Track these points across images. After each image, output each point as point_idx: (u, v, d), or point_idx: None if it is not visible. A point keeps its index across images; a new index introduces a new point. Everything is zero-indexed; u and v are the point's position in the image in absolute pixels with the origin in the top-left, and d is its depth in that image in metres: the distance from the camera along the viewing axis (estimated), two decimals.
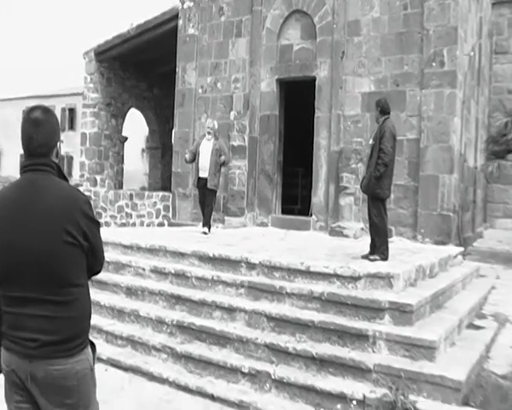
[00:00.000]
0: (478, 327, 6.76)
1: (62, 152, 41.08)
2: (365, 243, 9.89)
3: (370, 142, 7.54)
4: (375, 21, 12.10)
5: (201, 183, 10.49)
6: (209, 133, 10.64)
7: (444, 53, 11.26)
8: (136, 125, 24.89)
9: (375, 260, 7.03)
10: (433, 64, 11.33)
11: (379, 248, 7.20)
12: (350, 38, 12.37)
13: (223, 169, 11.12)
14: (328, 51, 12.56)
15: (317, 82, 12.71)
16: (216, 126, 10.96)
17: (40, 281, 2.42)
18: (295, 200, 16.21)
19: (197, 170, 10.58)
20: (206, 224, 10.62)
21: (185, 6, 15.10)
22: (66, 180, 2.65)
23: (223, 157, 10.44)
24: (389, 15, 11.94)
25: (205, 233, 10.35)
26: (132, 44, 17.97)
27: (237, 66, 14.04)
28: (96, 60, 18.50)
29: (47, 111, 2.62)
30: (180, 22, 15.19)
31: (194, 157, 10.63)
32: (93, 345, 2.70)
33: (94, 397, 2.65)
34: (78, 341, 2.50)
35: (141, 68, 20.25)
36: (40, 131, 2.54)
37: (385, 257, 7.13)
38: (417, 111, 11.48)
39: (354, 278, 6.14)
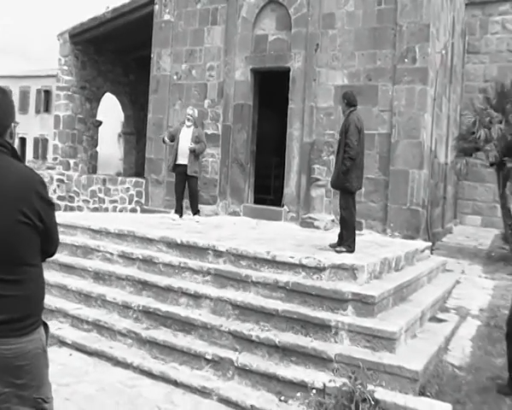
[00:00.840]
0: (440, 320, 6.90)
1: (37, 135, 40.61)
2: (335, 234, 10.00)
3: (338, 138, 7.61)
4: (350, 15, 12.18)
5: (180, 169, 10.51)
6: (188, 120, 10.67)
7: (416, 49, 11.40)
8: (113, 109, 24.66)
9: (341, 251, 7.12)
10: (406, 60, 11.46)
11: (346, 241, 7.30)
12: (324, 31, 12.44)
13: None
14: (303, 43, 12.61)
15: (291, 73, 12.77)
16: (196, 114, 11.01)
17: None
18: (268, 190, 16.28)
19: (175, 156, 10.59)
20: (194, 210, 10.73)
21: None
22: (21, 161, 2.63)
23: (193, 145, 10.43)
24: (363, 10, 12.03)
25: (174, 220, 10.40)
26: (108, 28, 17.80)
27: (212, 54, 14.02)
28: (71, 42, 18.30)
29: (1, 92, 2.59)
30: (156, 8, 15.10)
31: (173, 139, 10.65)
32: (46, 326, 2.70)
33: (46, 378, 2.65)
34: (30, 320, 2.50)
35: (116, 53, 20.08)
36: None
37: (351, 250, 7.22)
38: (389, 106, 11.61)
39: (319, 269, 6.21)
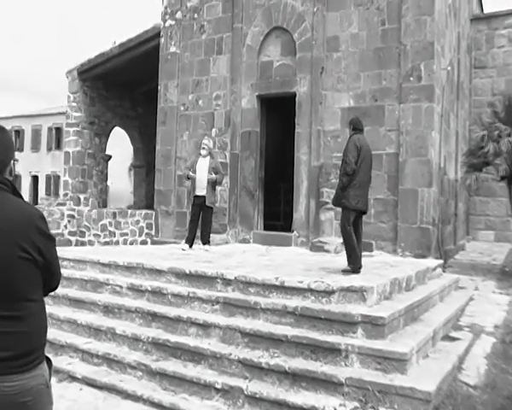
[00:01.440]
0: (453, 339, 6.79)
1: (49, 172, 41.04)
2: (345, 258, 9.97)
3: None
4: (354, 37, 12.25)
5: (198, 200, 10.56)
6: (204, 149, 10.73)
7: (421, 68, 11.40)
8: (123, 143, 24.95)
9: (347, 272, 7.10)
10: (411, 79, 11.46)
11: (348, 260, 7.31)
12: (329, 54, 12.51)
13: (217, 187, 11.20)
14: (308, 67, 12.69)
15: (297, 98, 12.83)
16: (211, 144, 11.05)
17: None
18: (278, 216, 16.24)
19: (194, 188, 10.63)
20: (205, 240, 10.73)
21: (167, 24, 15.22)
22: (21, 198, 2.66)
23: (214, 175, 10.51)
24: (367, 31, 12.08)
25: (183, 250, 10.43)
26: (115, 63, 18.10)
27: (218, 83, 14.14)
28: (79, 79, 18.61)
29: (0, 129, 2.63)
30: (162, 40, 15.31)
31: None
32: (49, 361, 2.68)
33: None
34: (32, 356, 2.48)
35: (124, 87, 20.35)
36: None
37: (355, 267, 7.20)
38: (396, 125, 11.59)
39: (328, 293, 6.16)
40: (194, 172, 10.57)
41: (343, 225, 7.41)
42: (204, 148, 10.74)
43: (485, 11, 21.33)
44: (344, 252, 10.70)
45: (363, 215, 7.77)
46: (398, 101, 11.61)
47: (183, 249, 10.45)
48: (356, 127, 7.61)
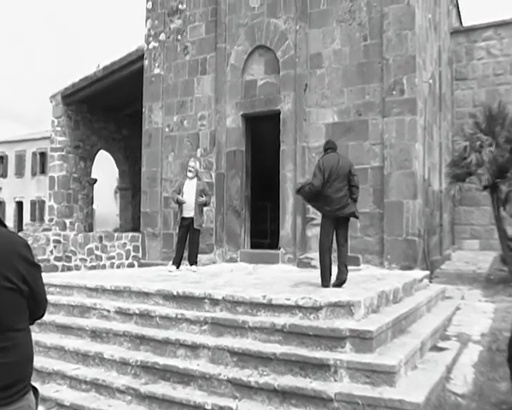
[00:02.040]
0: (441, 349, 6.82)
1: (34, 197, 40.83)
2: (333, 272, 9.99)
3: None
4: (337, 53, 12.36)
5: (185, 222, 10.57)
6: (190, 171, 10.77)
7: (403, 81, 11.52)
8: (108, 166, 24.92)
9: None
10: (394, 92, 11.57)
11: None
12: (312, 71, 12.61)
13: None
14: (292, 85, 12.78)
15: (281, 115, 12.90)
16: (198, 166, 11.09)
17: None
18: (265, 234, 16.28)
19: (181, 210, 10.64)
20: (192, 261, 10.72)
21: (150, 46, 15.30)
22: (4, 226, 2.65)
23: (203, 198, 10.56)
24: (350, 47, 12.21)
25: (171, 271, 10.41)
26: (99, 86, 18.13)
27: (203, 103, 14.20)
28: (64, 103, 18.61)
29: None
30: (146, 62, 15.38)
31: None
32: (36, 390, 2.66)
33: None
34: (18, 387, 2.44)
35: (109, 110, 20.38)
36: None
37: (324, 282, 7.69)
38: (380, 139, 11.68)
39: (315, 309, 6.17)
40: (182, 194, 10.58)
41: (320, 233, 8.15)
42: (191, 171, 10.77)
43: (464, 24, 21.64)
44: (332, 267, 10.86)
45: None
46: (382, 115, 11.71)
47: (170, 271, 10.44)
48: (325, 149, 8.29)
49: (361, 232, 11.47)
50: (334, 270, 7.81)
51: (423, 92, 12.33)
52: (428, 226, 12.49)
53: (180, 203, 10.64)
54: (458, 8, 21.74)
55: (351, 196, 7.84)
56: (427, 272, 10.09)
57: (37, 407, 2.63)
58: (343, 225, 7.94)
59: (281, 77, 13.01)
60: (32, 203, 41.46)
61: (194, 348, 6.28)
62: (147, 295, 7.59)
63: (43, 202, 37.55)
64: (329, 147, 8.22)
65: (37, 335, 7.34)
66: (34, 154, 42.12)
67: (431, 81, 13.27)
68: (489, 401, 5.32)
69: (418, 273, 9.56)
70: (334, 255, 7.93)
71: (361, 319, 6.10)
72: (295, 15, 12.82)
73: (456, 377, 6.03)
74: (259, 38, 13.38)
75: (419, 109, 11.71)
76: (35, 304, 2.61)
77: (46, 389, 6.36)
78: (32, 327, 2.66)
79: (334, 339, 5.70)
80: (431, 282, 10.23)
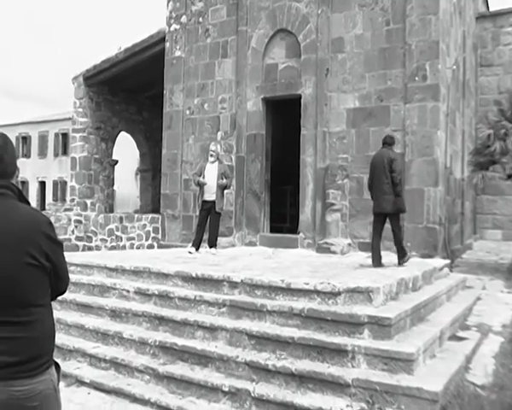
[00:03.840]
0: (460, 338, 6.77)
1: (56, 177, 41.19)
2: (352, 259, 9.99)
3: None
4: (359, 38, 12.24)
5: (206, 205, 10.59)
6: (212, 155, 10.77)
7: (426, 67, 11.38)
8: (129, 147, 25.03)
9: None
10: (416, 78, 11.44)
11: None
12: (334, 55, 12.51)
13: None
14: (313, 69, 12.69)
15: (302, 100, 12.83)
16: (219, 149, 11.08)
17: (2, 303, 2.43)
18: (284, 218, 16.26)
19: (202, 193, 10.65)
20: (212, 243, 10.76)
21: (172, 28, 15.26)
22: (28, 204, 2.68)
23: (224, 181, 10.56)
24: (372, 32, 12.08)
25: (190, 253, 10.45)
26: (121, 68, 18.15)
27: (224, 86, 14.16)
28: (85, 84, 18.69)
29: (6, 138, 2.67)
30: (167, 45, 15.35)
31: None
32: (57, 365, 2.70)
33: None
34: (40, 361, 2.50)
35: (130, 92, 20.42)
36: (5, 153, 2.60)
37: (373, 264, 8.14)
38: (401, 125, 11.57)
39: (334, 294, 6.16)
40: (203, 177, 10.59)
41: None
42: (212, 155, 10.77)
43: (491, 9, 21.26)
44: (350, 253, 10.91)
45: (386, 217, 8.76)
46: (404, 101, 11.59)
47: (190, 253, 10.47)
48: (382, 143, 8.97)
49: None
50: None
51: (446, 78, 12.17)
52: (449, 215, 12.38)
53: (201, 185, 10.64)
54: None
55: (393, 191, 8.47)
56: (448, 261, 10.01)
57: (58, 382, 2.69)
58: (390, 218, 8.69)
59: (302, 61, 12.92)
60: (55, 184, 41.79)
61: (212, 330, 6.31)
62: (166, 276, 7.63)
63: (65, 182, 37.80)
64: (384, 142, 8.94)
65: (59, 312, 7.43)
66: (56, 135, 42.38)
67: (454, 67, 13.09)
68: (510, 393, 5.27)
69: (438, 262, 9.50)
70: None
71: (379, 306, 6.07)
72: None
73: (475, 367, 5.99)
74: (281, 22, 13.28)
75: (442, 96, 11.57)
76: (57, 280, 2.66)
77: (67, 365, 6.45)
78: (53, 305, 2.71)
79: (352, 325, 5.69)
80: (451, 271, 10.15)
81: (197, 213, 11.27)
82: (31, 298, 2.49)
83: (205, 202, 10.63)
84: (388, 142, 8.91)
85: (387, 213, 8.58)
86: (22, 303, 2.46)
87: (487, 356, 6.40)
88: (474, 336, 7.00)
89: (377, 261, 8.60)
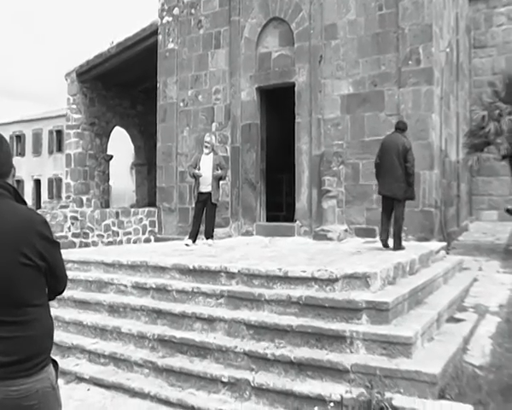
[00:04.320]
0: (458, 320, 6.78)
1: (51, 175, 41.15)
2: (349, 245, 9.99)
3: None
4: (352, 24, 12.19)
5: (202, 197, 10.58)
6: (206, 147, 10.75)
7: (419, 51, 11.35)
8: (124, 142, 24.98)
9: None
10: (410, 62, 11.41)
11: None
12: (327, 42, 12.47)
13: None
14: (307, 56, 12.66)
15: (296, 88, 12.80)
16: (213, 141, 11.08)
17: None
18: (280, 207, 16.25)
19: (198, 185, 10.63)
20: (209, 235, 10.75)
21: (164, 21, 15.20)
22: (25, 203, 2.67)
23: (220, 172, 10.55)
24: (365, 17, 12.03)
25: (187, 245, 10.45)
26: (114, 63, 18.11)
27: (217, 77, 14.12)
28: (79, 81, 18.65)
29: (1, 137, 2.65)
30: (160, 37, 15.29)
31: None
32: (55, 363, 2.70)
33: None
34: (37, 360, 2.49)
35: (123, 86, 20.36)
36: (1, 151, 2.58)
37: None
38: (396, 110, 11.56)
39: (331, 281, 6.15)
40: (198, 169, 10.57)
41: None
42: (207, 146, 10.75)
43: None
44: (347, 239, 10.90)
45: (394, 200, 8.90)
46: (398, 85, 11.57)
47: (187, 245, 10.47)
48: (394, 128, 9.24)
49: (377, 204, 11.35)
50: None
51: (440, 62, 12.14)
52: (445, 197, 12.38)
53: (196, 177, 10.62)
54: None
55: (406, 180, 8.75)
56: (444, 244, 10.02)
57: (56, 380, 2.68)
58: (396, 203, 8.91)
59: (295, 49, 12.87)
60: (50, 181, 41.77)
61: (210, 321, 6.31)
62: (163, 269, 7.62)
63: (60, 179, 37.78)
64: (396, 127, 9.20)
65: (57, 310, 7.43)
66: (51, 132, 42.32)
67: (448, 50, 13.06)
68: (507, 372, 5.29)
69: (435, 245, 9.50)
70: None
71: (377, 291, 6.08)
72: None
73: (473, 348, 6.01)
74: (273, 10, 13.22)
75: (436, 79, 11.54)
76: (54, 280, 2.65)
77: (66, 362, 6.45)
78: (51, 303, 2.71)
79: (350, 311, 5.70)
80: (448, 253, 10.16)
81: (193, 206, 11.24)
82: (26, 298, 2.48)
83: (200, 193, 10.61)
84: (401, 127, 9.13)
85: (397, 198, 8.78)
86: (18, 303, 2.45)
87: (484, 337, 6.42)
88: (471, 317, 7.02)
89: (385, 236, 9.00)
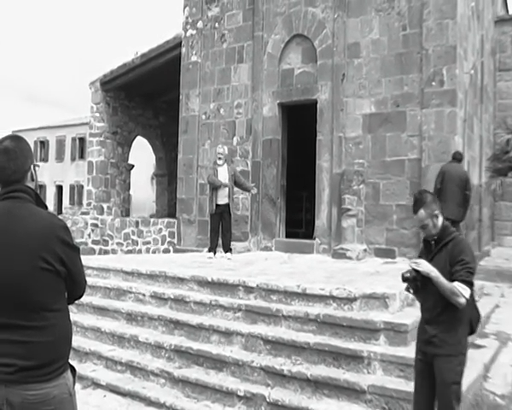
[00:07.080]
0: (479, 346, 6.69)
1: (72, 181, 41.51)
2: (368, 264, 9.94)
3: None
4: (375, 43, 12.19)
5: (219, 210, 10.64)
6: (220, 159, 10.83)
7: (443, 72, 11.30)
8: (145, 152, 25.15)
9: None
10: (433, 83, 11.36)
11: None
12: (350, 61, 12.47)
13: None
14: (329, 74, 12.66)
15: (318, 105, 12.79)
16: (226, 151, 11.17)
17: (16, 307, 2.42)
18: (300, 224, 16.23)
19: (216, 196, 10.67)
20: (227, 248, 10.83)
21: (188, 34, 15.31)
22: (46, 207, 2.68)
23: (250, 184, 11.15)
24: (388, 36, 12.02)
25: (210, 258, 10.49)
26: (137, 73, 18.26)
27: (239, 91, 14.18)
28: (102, 89, 18.82)
29: (16, 139, 2.65)
30: (183, 50, 15.40)
31: None
32: (73, 369, 2.69)
33: None
34: (55, 366, 2.49)
35: (146, 97, 20.53)
36: (11, 159, 2.57)
37: None
38: (418, 131, 11.50)
39: (350, 300, 6.14)
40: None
41: None
42: (220, 158, 10.83)
43: (511, 12, 21.06)
44: (366, 259, 10.86)
45: (454, 223, 8.65)
46: (420, 106, 11.52)
47: (210, 257, 10.52)
48: (452, 158, 10.25)
49: (397, 225, 11.37)
50: None
51: (464, 83, 12.09)
52: (467, 221, 12.26)
53: (217, 187, 10.65)
54: None
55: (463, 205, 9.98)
56: None
57: (74, 386, 2.67)
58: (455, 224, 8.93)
59: (318, 66, 12.89)
60: (71, 187, 42.18)
61: (227, 334, 6.32)
62: (182, 280, 7.66)
63: (82, 186, 38.10)
64: (453, 157, 10.24)
65: (75, 315, 7.48)
66: (73, 139, 42.78)
67: (472, 72, 13.00)
68: None
69: None
70: None
71: (396, 312, 6.05)
72: (333, 4, 12.66)
73: (494, 376, 5.91)
74: (297, 27, 13.27)
75: (459, 101, 11.49)
76: (73, 285, 2.65)
77: (83, 367, 6.49)
78: (70, 307, 2.70)
79: (368, 331, 5.68)
80: None
81: (210, 219, 11.27)
82: (45, 303, 2.48)
83: (218, 205, 10.65)
84: (458, 158, 10.21)
85: (457, 221, 9.64)
86: (36, 308, 2.46)
87: (507, 365, 6.31)
88: (492, 344, 6.91)
89: None
